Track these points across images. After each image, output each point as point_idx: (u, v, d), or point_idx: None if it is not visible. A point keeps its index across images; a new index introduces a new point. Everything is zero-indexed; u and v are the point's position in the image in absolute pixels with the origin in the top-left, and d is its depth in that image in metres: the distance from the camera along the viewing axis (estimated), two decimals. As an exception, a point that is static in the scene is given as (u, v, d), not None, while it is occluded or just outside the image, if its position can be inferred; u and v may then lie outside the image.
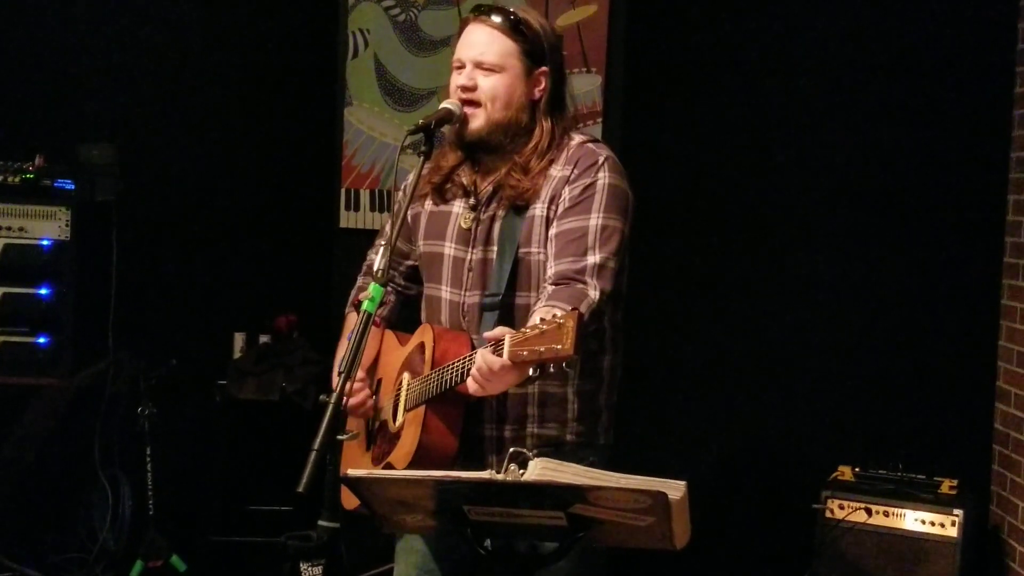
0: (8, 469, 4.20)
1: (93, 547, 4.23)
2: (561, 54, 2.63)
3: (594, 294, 2.39)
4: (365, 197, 4.48)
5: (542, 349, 2.11)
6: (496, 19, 2.54)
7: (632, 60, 4.33)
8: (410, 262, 2.79)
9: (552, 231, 2.49)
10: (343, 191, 4.49)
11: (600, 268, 2.42)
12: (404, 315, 2.85)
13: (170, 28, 4.48)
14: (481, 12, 2.58)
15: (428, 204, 2.70)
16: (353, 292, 2.88)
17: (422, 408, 2.47)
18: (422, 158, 2.51)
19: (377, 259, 2.34)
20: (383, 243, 2.80)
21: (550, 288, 2.41)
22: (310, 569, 3.56)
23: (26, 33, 4.39)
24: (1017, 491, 3.88)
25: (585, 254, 2.43)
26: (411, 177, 2.68)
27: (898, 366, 4.18)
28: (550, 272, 2.45)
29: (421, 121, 2.50)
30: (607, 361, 2.59)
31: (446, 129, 2.59)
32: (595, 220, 2.46)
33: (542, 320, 2.13)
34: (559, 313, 2.13)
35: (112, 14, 4.42)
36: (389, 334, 2.80)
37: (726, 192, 4.32)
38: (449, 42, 4.35)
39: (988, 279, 4.11)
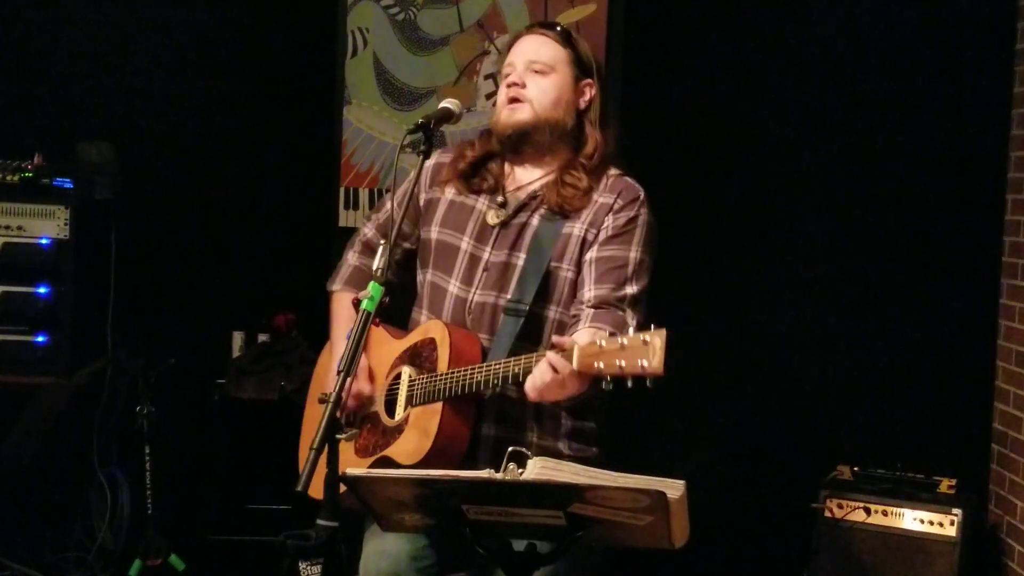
0: (6, 468, 4.20)
1: (91, 546, 4.21)
2: (605, 80, 2.72)
3: (632, 324, 2.46)
4: (364, 196, 4.47)
5: (622, 364, 2.16)
6: (548, 30, 2.69)
7: (630, 59, 4.32)
8: (407, 245, 2.78)
9: (591, 255, 2.56)
10: (342, 190, 4.48)
11: (636, 301, 2.54)
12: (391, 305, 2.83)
13: (168, 27, 4.48)
14: (534, 25, 2.75)
15: (450, 192, 2.71)
16: (343, 269, 2.84)
17: (438, 405, 2.48)
18: (421, 157, 2.53)
19: (376, 259, 2.34)
20: (378, 217, 2.79)
21: (590, 311, 2.49)
22: (308, 568, 3.54)
23: (25, 32, 4.38)
24: (1016, 490, 3.88)
25: (625, 284, 2.53)
26: (417, 172, 2.66)
27: (897, 365, 4.18)
28: (589, 295, 2.52)
29: (421, 120, 2.52)
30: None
31: (449, 125, 2.63)
32: (635, 253, 2.57)
33: (614, 335, 2.19)
34: (638, 332, 2.17)
35: (110, 13, 4.41)
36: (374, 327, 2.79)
37: (723, 191, 4.31)
38: (448, 41, 4.39)
39: (987, 278, 4.11)
